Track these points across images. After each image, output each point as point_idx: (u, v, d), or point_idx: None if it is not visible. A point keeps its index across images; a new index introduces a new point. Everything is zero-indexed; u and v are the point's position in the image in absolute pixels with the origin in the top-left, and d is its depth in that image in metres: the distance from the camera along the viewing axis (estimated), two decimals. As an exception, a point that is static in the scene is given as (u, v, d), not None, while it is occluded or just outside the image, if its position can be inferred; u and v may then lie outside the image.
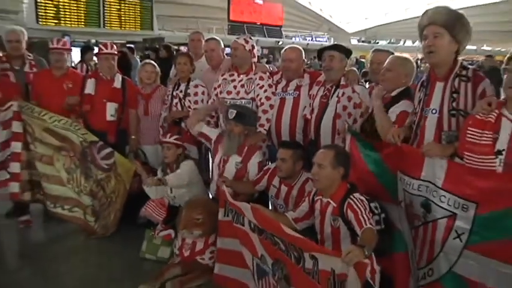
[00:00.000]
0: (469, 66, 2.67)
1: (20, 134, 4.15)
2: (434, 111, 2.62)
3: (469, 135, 2.31)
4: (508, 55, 2.33)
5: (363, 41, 40.96)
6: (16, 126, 4.12)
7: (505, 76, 2.26)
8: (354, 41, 38.63)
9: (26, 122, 4.15)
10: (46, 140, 4.17)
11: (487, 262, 2.24)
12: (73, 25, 16.86)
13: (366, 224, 2.39)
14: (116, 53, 4.39)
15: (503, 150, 2.22)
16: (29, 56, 4.50)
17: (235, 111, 3.61)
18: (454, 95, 2.55)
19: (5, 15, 17.69)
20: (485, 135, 2.26)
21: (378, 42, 39.13)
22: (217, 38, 4.51)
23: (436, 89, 2.63)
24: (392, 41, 42.39)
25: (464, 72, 2.57)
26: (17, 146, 4.16)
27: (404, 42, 41.82)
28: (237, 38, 4.03)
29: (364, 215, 2.44)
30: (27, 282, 3.40)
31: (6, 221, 4.50)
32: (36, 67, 4.48)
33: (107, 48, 4.30)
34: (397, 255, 2.70)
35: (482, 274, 2.27)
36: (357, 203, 2.52)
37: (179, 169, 3.80)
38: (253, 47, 4.03)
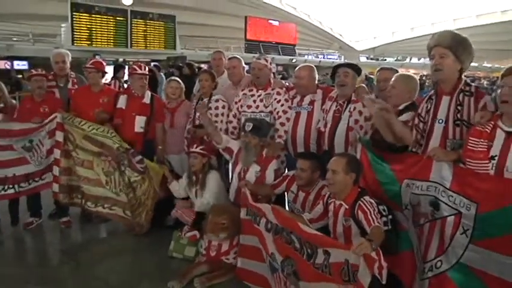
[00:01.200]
0: (472, 84, 2.79)
1: (60, 143, 4.31)
2: (441, 121, 2.74)
3: (469, 144, 2.45)
4: (501, 72, 2.43)
5: (371, 58, 40.80)
6: (58, 136, 4.30)
7: (498, 91, 2.38)
8: (363, 58, 38.49)
9: (68, 131, 4.31)
10: (86, 147, 4.32)
11: (489, 254, 2.34)
12: (103, 45, 17.40)
13: (374, 223, 2.50)
14: (147, 73, 4.53)
15: (496, 156, 2.35)
16: (72, 74, 4.74)
17: (251, 125, 3.70)
18: (459, 108, 2.67)
19: (45, 39, 18.36)
20: (481, 143, 2.39)
21: (385, 60, 38.97)
22: (239, 56, 4.62)
23: (443, 102, 2.76)
24: (399, 58, 42.07)
25: (467, 88, 2.70)
26: (57, 153, 4.34)
27: (410, 59, 41.70)
28: (258, 59, 4.15)
29: (373, 215, 2.54)
30: (67, 276, 3.55)
31: (49, 222, 4.71)
32: (78, 84, 4.71)
33: (140, 69, 4.43)
34: (404, 254, 2.81)
35: (485, 264, 2.37)
36: (367, 205, 2.62)
37: (205, 187, 3.90)
38: (271, 65, 4.20)
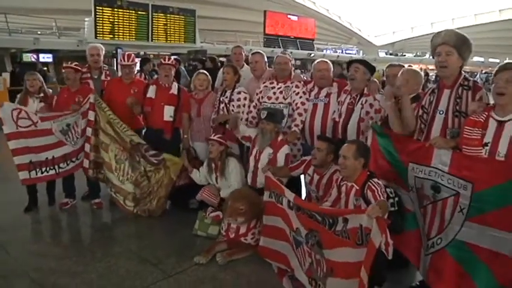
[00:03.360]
0: (470, 79, 3.08)
1: (92, 121, 4.69)
2: (441, 112, 3.04)
3: (465, 132, 2.75)
4: (495, 69, 2.71)
5: (390, 54, 40.57)
6: (91, 115, 4.68)
7: (493, 85, 2.67)
8: (381, 54, 38.31)
9: (96, 112, 4.68)
10: (107, 131, 4.68)
11: (483, 229, 2.63)
12: (125, 39, 17.76)
13: (380, 198, 2.80)
14: (173, 64, 4.87)
15: (489, 143, 2.65)
16: (105, 67, 5.13)
17: (266, 112, 4.09)
18: (458, 100, 2.98)
19: (69, 32, 18.87)
20: (475, 131, 2.70)
21: (404, 55, 38.80)
22: (262, 52, 4.94)
23: (444, 95, 3.06)
24: (418, 54, 41.71)
25: (466, 83, 3.00)
26: (89, 131, 4.72)
27: (430, 55, 41.21)
28: (284, 53, 4.63)
29: (380, 193, 2.85)
30: (102, 251, 3.85)
31: (82, 203, 5.11)
32: (110, 76, 5.09)
33: (166, 61, 4.82)
34: (410, 233, 3.12)
35: (478, 238, 2.66)
36: (375, 185, 2.93)
37: (226, 174, 4.26)
38: (291, 61, 4.58)
